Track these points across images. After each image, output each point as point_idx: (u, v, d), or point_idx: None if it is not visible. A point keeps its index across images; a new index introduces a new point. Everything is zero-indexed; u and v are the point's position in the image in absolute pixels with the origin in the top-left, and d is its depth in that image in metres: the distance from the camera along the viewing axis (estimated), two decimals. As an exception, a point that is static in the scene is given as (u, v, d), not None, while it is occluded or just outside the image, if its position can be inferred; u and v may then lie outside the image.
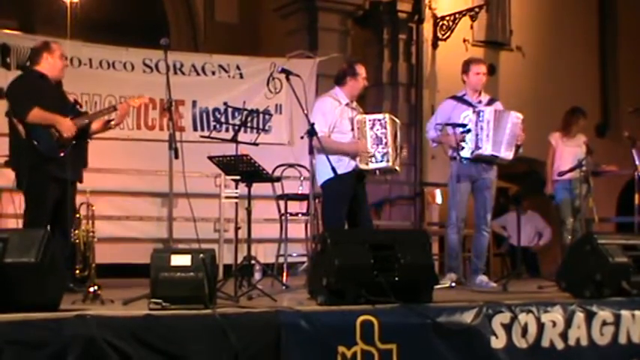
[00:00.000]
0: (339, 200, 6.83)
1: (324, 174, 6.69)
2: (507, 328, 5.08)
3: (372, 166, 6.88)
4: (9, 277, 4.31)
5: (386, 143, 6.85)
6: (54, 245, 4.64)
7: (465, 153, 7.35)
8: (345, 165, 6.79)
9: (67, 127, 6.45)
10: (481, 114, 7.36)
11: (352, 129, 6.91)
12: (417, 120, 11.88)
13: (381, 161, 6.86)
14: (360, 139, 6.85)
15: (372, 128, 6.86)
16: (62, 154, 6.38)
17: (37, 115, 6.38)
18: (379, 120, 6.91)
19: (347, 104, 7.01)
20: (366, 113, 7.14)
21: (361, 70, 7.13)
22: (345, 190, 6.83)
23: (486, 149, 7.34)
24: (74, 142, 6.51)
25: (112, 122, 6.87)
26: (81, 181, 6.70)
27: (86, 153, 6.81)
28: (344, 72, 7.12)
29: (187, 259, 4.65)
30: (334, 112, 6.92)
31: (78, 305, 4.87)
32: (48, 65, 6.63)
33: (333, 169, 6.24)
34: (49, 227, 6.17)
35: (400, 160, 7.11)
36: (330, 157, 6.29)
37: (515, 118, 7.44)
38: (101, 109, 7.48)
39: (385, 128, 6.86)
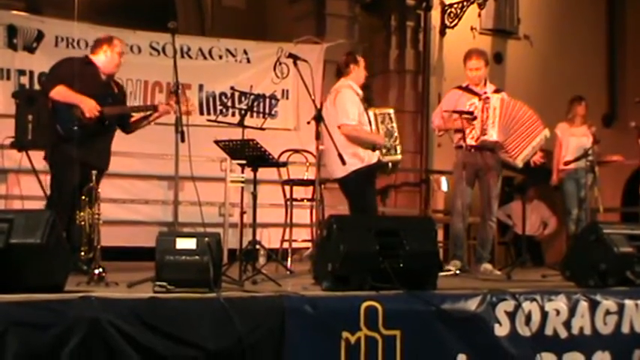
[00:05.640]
0: (373, 189, 7.12)
1: (351, 164, 6.72)
2: (511, 316, 5.08)
3: (387, 158, 7.06)
4: (14, 257, 4.31)
5: (396, 137, 7.10)
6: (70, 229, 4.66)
7: (471, 140, 7.35)
8: (371, 155, 6.94)
9: (89, 107, 6.47)
10: (488, 101, 7.34)
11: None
12: (424, 108, 11.88)
13: (395, 154, 7.10)
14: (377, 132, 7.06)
15: (383, 122, 7.05)
16: (78, 130, 6.40)
17: (60, 92, 6.45)
18: (388, 114, 7.15)
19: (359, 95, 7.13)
20: (372, 107, 7.31)
21: (361, 59, 7.25)
22: (374, 179, 7.09)
23: (492, 135, 7.33)
24: (103, 126, 6.61)
25: (151, 119, 7.01)
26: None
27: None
28: (347, 61, 7.14)
29: (193, 242, 4.66)
30: (359, 104, 7.00)
31: (82, 287, 4.87)
32: (104, 57, 6.74)
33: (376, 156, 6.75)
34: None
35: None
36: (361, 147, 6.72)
37: (544, 135, 7.48)
38: (139, 105, 7.73)
39: (392, 121, 7.10)
